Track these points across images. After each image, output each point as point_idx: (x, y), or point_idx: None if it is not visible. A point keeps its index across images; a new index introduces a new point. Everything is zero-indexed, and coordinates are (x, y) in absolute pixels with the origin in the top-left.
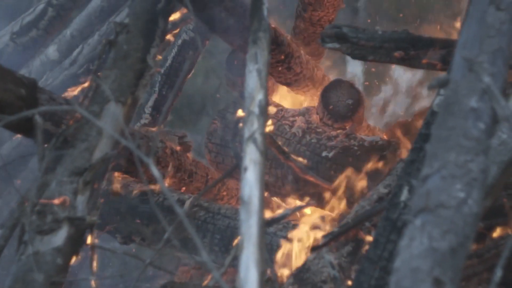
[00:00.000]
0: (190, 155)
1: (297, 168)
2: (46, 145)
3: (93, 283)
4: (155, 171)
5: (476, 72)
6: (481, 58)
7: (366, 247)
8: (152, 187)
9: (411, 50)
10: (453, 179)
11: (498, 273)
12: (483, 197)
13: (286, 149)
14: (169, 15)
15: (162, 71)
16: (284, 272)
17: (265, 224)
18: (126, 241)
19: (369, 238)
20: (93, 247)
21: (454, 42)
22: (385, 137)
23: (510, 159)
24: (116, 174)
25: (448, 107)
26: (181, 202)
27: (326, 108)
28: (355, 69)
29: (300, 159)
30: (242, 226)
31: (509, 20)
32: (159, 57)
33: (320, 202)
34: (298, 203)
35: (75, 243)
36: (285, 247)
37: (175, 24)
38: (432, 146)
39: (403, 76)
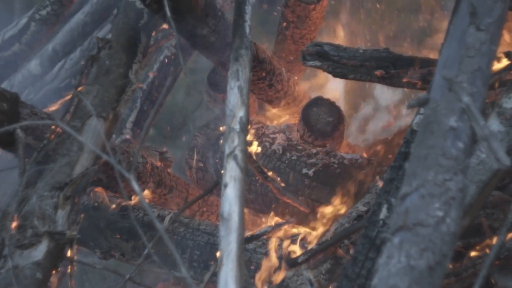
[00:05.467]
0: (170, 170)
1: (275, 189)
2: (27, 159)
3: None
4: (136, 187)
5: (455, 91)
6: (460, 78)
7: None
8: (132, 202)
9: (392, 68)
10: (431, 198)
11: None
12: (461, 216)
13: (265, 169)
14: (152, 31)
15: (144, 86)
16: None
17: (245, 241)
18: (106, 256)
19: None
20: (72, 261)
21: (434, 61)
22: (365, 155)
23: (489, 178)
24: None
25: (427, 126)
26: (161, 218)
27: (307, 125)
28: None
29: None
30: (221, 243)
31: (489, 41)
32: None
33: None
34: (278, 220)
35: (55, 258)
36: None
37: (157, 39)
38: (411, 165)
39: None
